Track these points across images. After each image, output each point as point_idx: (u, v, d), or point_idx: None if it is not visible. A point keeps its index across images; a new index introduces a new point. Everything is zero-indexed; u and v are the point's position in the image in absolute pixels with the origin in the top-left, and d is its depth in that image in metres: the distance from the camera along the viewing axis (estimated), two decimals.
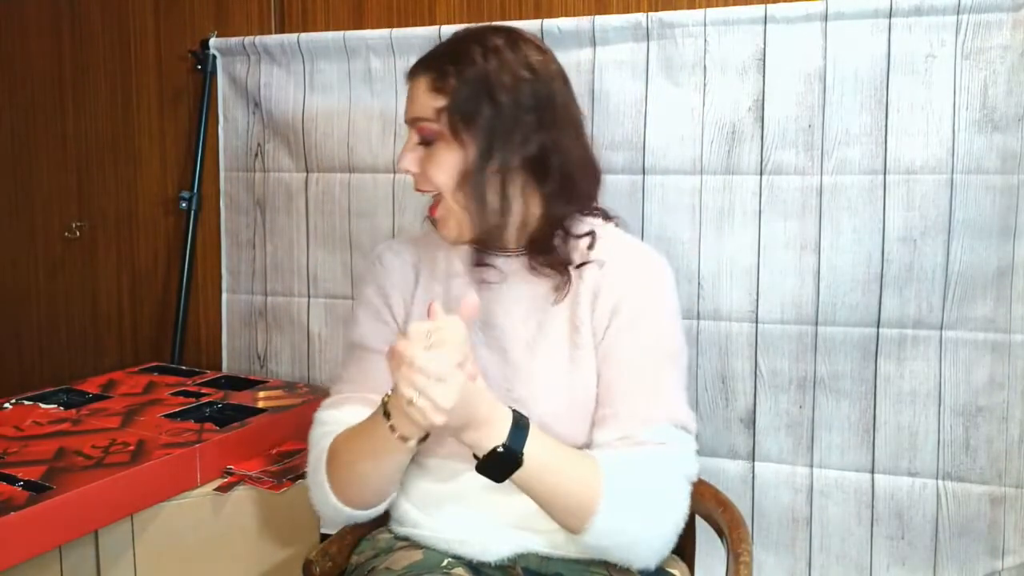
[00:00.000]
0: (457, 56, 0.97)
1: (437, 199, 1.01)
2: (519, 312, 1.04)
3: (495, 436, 0.88)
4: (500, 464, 0.88)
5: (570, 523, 0.94)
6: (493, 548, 1.02)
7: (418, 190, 1.02)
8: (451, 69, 0.96)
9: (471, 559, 1.02)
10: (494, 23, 1.04)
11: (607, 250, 1.04)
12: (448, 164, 0.96)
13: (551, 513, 0.94)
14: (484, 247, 1.05)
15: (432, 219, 1.03)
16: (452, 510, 1.04)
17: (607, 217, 1.10)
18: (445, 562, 1.01)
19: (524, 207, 1.01)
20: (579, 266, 1.03)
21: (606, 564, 1.02)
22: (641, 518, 0.94)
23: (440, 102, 0.96)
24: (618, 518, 0.92)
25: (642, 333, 0.99)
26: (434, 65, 0.98)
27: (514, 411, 0.91)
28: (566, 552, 1.02)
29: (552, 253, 1.01)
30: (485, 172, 0.95)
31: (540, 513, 1.01)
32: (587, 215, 1.08)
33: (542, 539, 1.02)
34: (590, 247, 1.04)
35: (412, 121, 1.00)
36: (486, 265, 1.05)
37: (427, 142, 0.99)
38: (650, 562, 0.96)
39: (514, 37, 0.99)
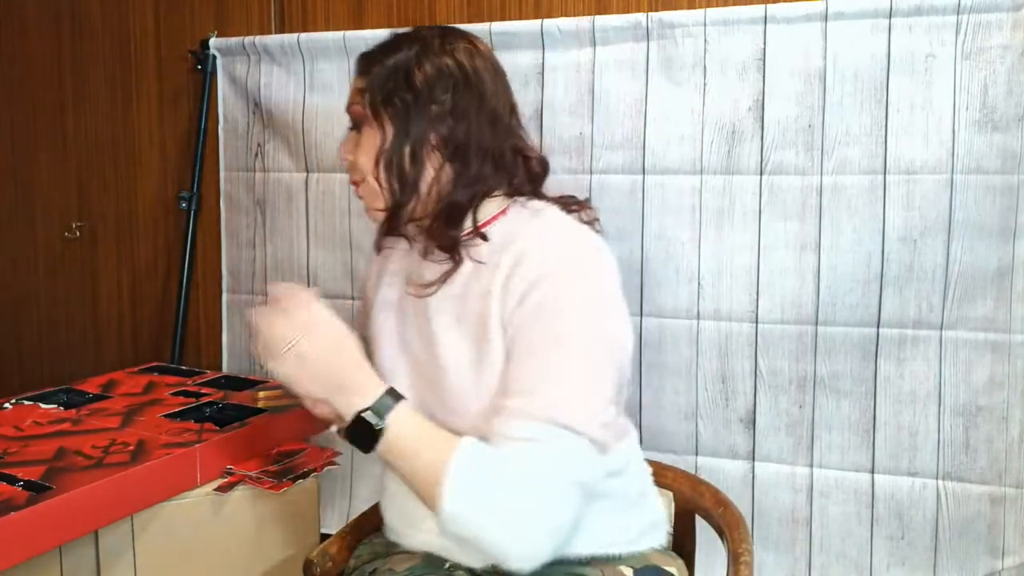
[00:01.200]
0: (386, 46, 1.03)
1: (359, 180, 1.03)
2: (436, 303, 1.01)
3: (361, 402, 0.91)
4: (363, 430, 0.90)
5: (429, 505, 0.90)
6: (475, 555, 0.99)
7: (352, 183, 1.05)
8: (377, 57, 1.02)
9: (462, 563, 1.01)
10: (437, 26, 1.09)
11: (529, 234, 0.98)
12: (370, 145, 1.00)
13: (415, 493, 0.93)
14: (402, 224, 1.04)
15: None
16: (432, 524, 0.98)
17: (568, 206, 1.05)
18: (447, 564, 1.01)
19: (437, 188, 1.00)
20: (462, 243, 1.00)
21: (600, 566, 1.01)
22: (490, 513, 0.88)
23: (363, 83, 1.01)
24: (464, 508, 0.87)
25: (545, 322, 0.92)
26: (366, 55, 1.04)
27: (391, 388, 0.93)
28: (558, 554, 1.01)
29: (449, 232, 1.00)
30: (402, 151, 0.98)
31: None
32: (540, 200, 1.05)
33: None
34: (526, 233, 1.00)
35: (347, 109, 1.04)
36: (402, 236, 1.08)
37: (357, 126, 1.03)
38: (516, 564, 0.89)
39: (447, 32, 1.04)
